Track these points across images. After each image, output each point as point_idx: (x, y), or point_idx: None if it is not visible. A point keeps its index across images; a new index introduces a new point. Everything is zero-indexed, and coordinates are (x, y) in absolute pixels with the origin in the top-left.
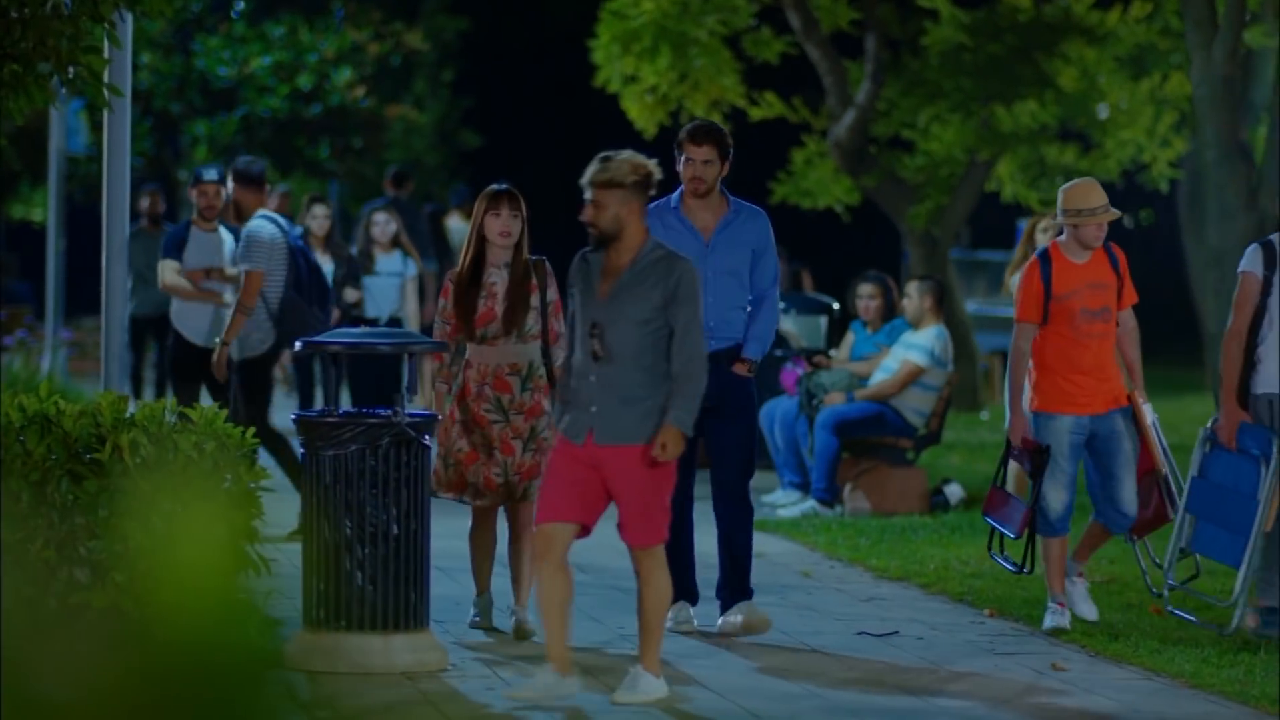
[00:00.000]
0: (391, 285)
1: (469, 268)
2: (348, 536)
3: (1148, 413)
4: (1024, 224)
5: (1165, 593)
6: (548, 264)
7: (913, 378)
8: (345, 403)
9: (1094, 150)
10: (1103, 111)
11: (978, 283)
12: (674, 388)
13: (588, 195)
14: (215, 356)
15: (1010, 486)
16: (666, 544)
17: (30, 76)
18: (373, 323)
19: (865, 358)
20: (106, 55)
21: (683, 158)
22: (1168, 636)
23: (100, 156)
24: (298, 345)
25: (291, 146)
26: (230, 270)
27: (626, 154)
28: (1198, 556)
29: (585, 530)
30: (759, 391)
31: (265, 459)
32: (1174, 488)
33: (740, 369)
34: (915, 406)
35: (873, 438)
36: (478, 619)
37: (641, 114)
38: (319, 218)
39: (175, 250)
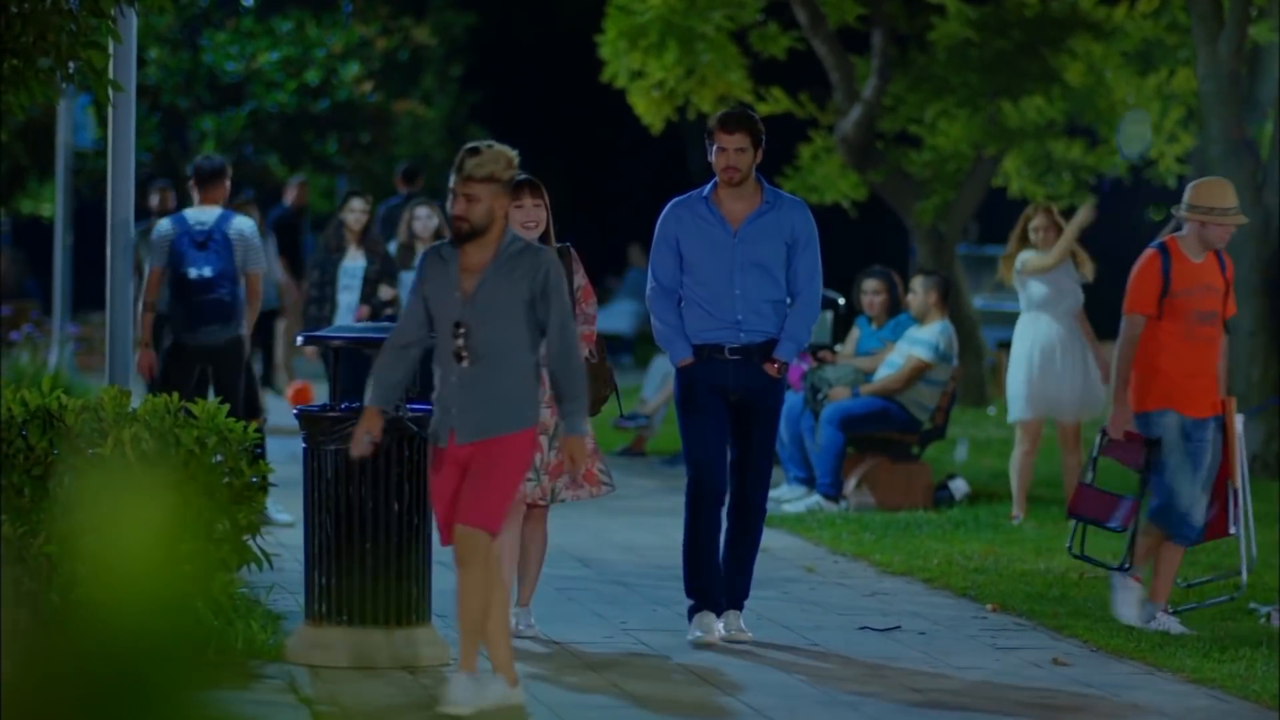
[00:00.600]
0: None
1: None
2: (349, 531)
3: (1238, 423)
4: None
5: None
6: (573, 250)
7: (918, 373)
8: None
9: (1101, 145)
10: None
11: (985, 278)
12: (559, 393)
13: (460, 189)
14: (138, 358)
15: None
16: (696, 543)
17: (30, 71)
18: None
19: (870, 353)
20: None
21: (714, 147)
22: (1169, 633)
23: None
24: (299, 340)
25: (299, 142)
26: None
27: (497, 147)
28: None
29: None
30: None
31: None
32: (1241, 502)
33: (770, 369)
34: (920, 401)
35: (878, 433)
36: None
37: (648, 109)
38: (355, 211)
39: None
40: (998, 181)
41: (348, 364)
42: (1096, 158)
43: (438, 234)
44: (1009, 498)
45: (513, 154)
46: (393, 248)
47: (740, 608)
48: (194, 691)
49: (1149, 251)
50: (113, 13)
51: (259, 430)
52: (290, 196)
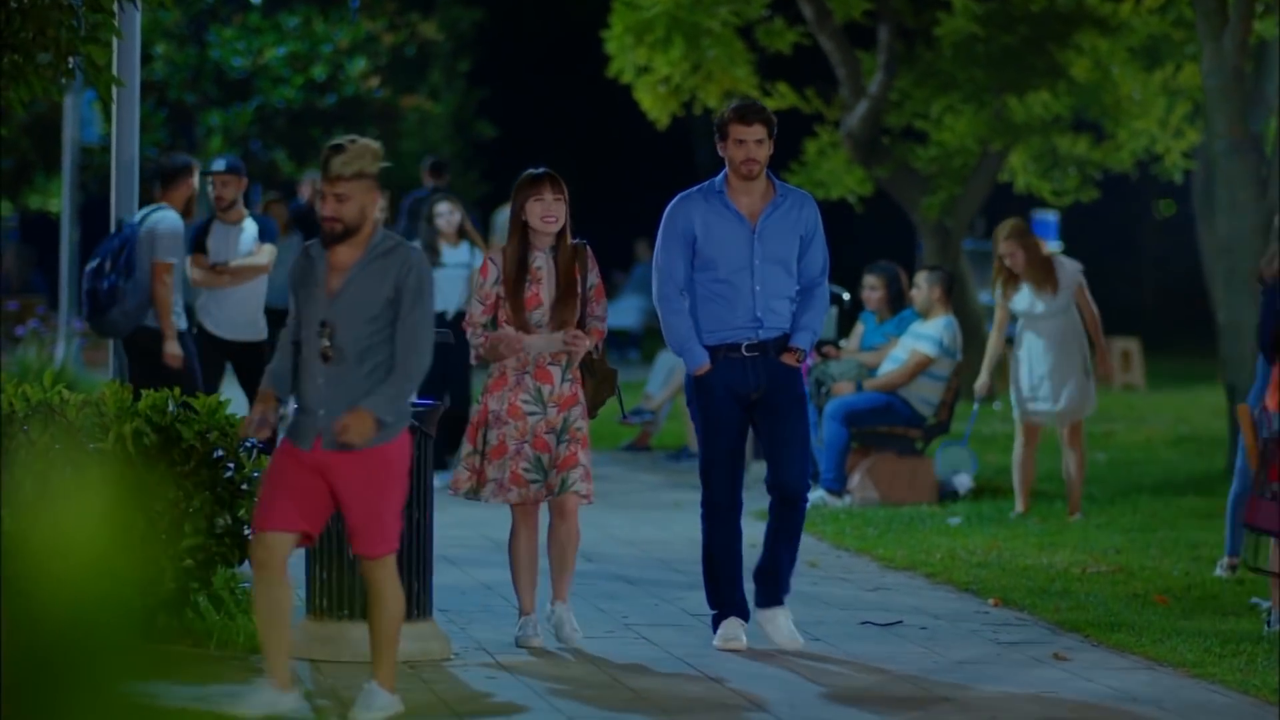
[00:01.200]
0: (459, 278)
1: (516, 256)
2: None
3: None
4: (1037, 215)
5: None
6: (589, 248)
7: (921, 368)
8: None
9: (1107, 141)
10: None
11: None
12: (389, 376)
13: (329, 189)
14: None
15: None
16: (712, 554)
17: (30, 67)
18: (439, 318)
19: (874, 348)
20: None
21: (731, 140)
22: (1171, 626)
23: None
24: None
25: (306, 137)
26: (236, 262)
27: (362, 141)
28: None
29: (308, 539)
30: None
31: None
32: None
33: (789, 359)
34: (924, 396)
35: (882, 428)
36: (522, 634)
37: (654, 105)
38: (380, 210)
39: (200, 246)
40: (1004, 177)
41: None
42: (1102, 153)
43: (461, 230)
44: (1013, 493)
45: (378, 146)
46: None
47: (782, 602)
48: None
49: None
50: (114, 8)
51: None
52: (305, 193)
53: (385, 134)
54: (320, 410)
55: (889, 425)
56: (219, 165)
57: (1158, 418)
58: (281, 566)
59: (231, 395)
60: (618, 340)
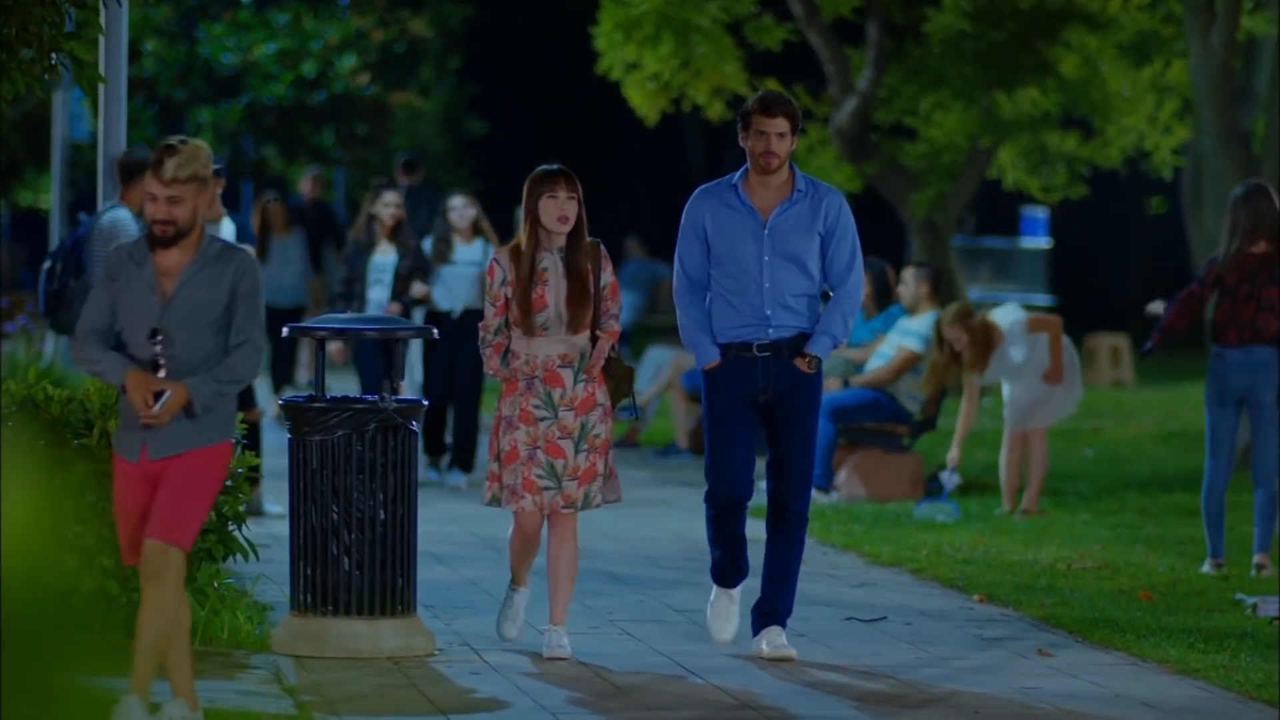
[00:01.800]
0: (467, 276)
1: (529, 256)
2: (334, 522)
3: None
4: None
5: None
6: (602, 246)
7: (908, 364)
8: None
9: (1095, 137)
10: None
11: (981, 269)
12: (215, 368)
13: (162, 191)
14: None
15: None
16: (717, 545)
17: (13, 62)
18: (445, 317)
19: (861, 344)
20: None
21: (752, 131)
22: (1156, 622)
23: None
24: (284, 331)
25: (296, 133)
26: None
27: (193, 142)
28: None
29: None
30: None
31: None
32: None
33: (801, 364)
34: (911, 393)
35: (868, 424)
36: (507, 610)
37: (643, 101)
38: (390, 205)
39: None
40: (992, 173)
41: (368, 356)
42: (1091, 149)
43: (475, 225)
44: (999, 489)
45: (208, 147)
46: (427, 244)
47: (783, 625)
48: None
49: None
50: (99, 4)
51: (245, 423)
52: (305, 189)
53: (375, 130)
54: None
55: (876, 421)
56: None
57: (1146, 414)
58: (179, 578)
59: None
60: None
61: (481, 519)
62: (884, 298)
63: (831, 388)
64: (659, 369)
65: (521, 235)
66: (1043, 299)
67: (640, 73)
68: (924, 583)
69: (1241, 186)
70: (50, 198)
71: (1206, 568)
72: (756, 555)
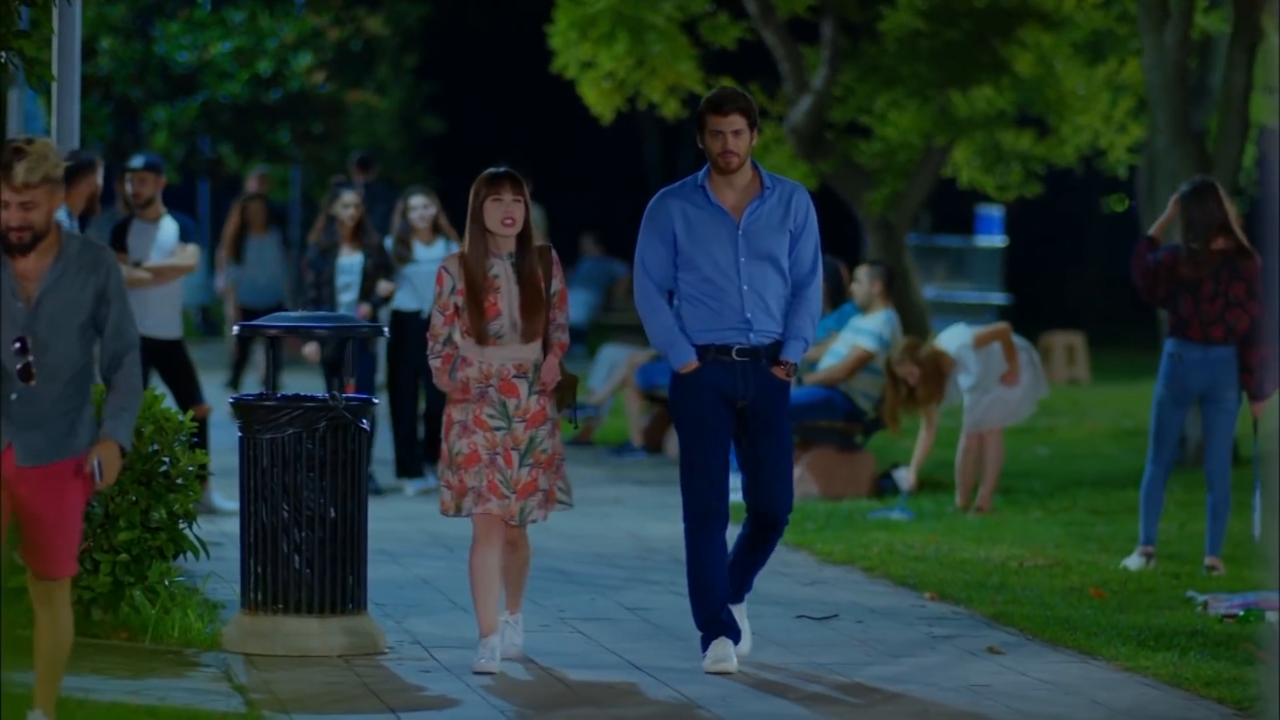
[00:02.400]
0: (433, 275)
1: (479, 263)
2: (285, 520)
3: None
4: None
5: None
6: (554, 251)
7: (862, 363)
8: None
9: (1050, 136)
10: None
11: (936, 268)
12: (112, 397)
13: (14, 196)
14: None
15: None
16: (699, 569)
17: None
18: (414, 316)
19: (815, 342)
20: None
21: (707, 131)
22: (1106, 620)
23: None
24: (234, 330)
25: (252, 132)
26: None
27: (39, 140)
28: None
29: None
30: None
31: None
32: None
33: (779, 372)
34: (864, 391)
35: (822, 422)
36: (484, 662)
37: (599, 100)
38: (349, 206)
39: (119, 244)
40: (947, 172)
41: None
42: (1046, 148)
43: (435, 224)
44: (954, 487)
45: (54, 145)
46: (388, 242)
47: (741, 600)
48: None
49: None
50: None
51: (195, 420)
52: (252, 187)
53: (331, 129)
54: (13, 427)
55: (829, 420)
56: (137, 163)
57: (1101, 412)
58: (64, 598)
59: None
60: None
61: (432, 517)
62: (837, 296)
63: None
64: (613, 367)
65: (467, 241)
66: (998, 297)
67: (595, 71)
68: (876, 581)
69: (1189, 184)
70: None
71: (1135, 558)
72: None
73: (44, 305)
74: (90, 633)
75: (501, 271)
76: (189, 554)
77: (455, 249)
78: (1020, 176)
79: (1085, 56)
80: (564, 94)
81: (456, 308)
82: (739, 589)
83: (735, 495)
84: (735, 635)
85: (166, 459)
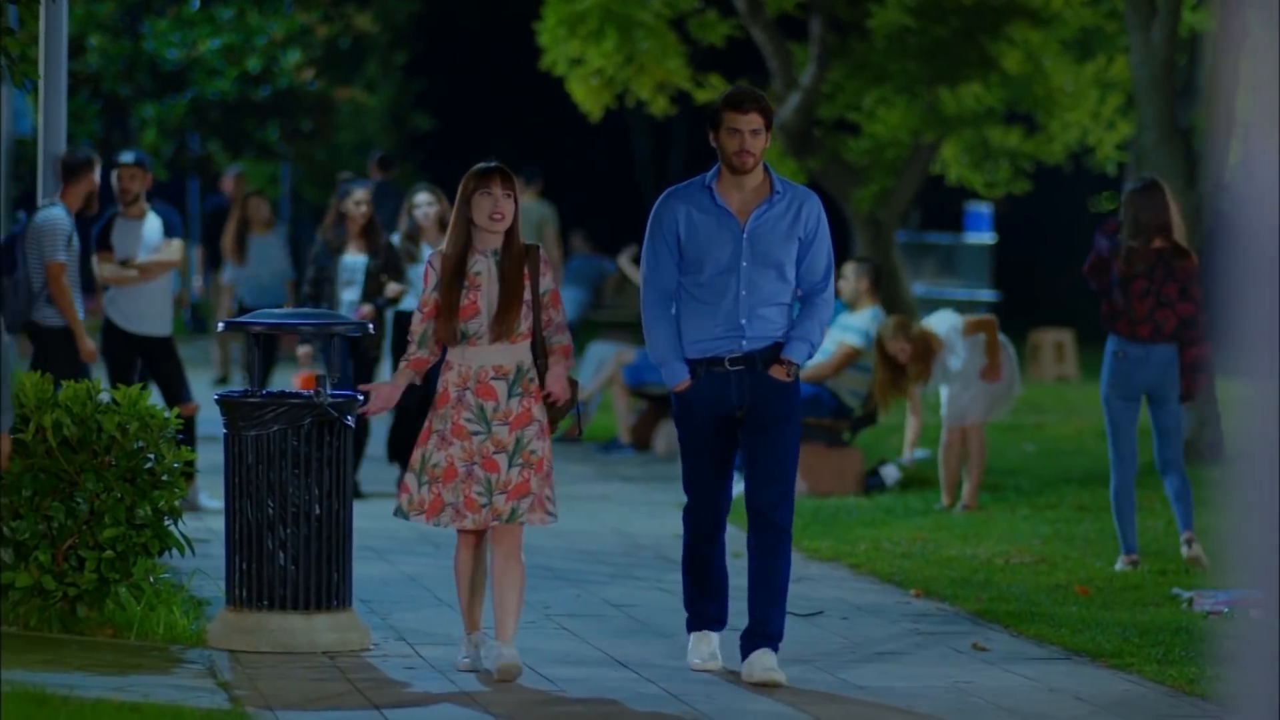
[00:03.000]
0: None
1: (456, 258)
2: (270, 516)
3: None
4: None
5: None
6: (541, 250)
7: (849, 360)
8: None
9: (1039, 133)
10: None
11: (925, 265)
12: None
13: None
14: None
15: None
16: (693, 565)
17: None
18: (407, 317)
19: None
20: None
21: (724, 128)
22: (1091, 617)
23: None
24: (220, 326)
25: (241, 129)
26: (145, 257)
27: None
28: None
29: None
30: None
31: None
32: None
33: (778, 372)
34: (851, 388)
35: (809, 419)
36: (467, 660)
37: (587, 97)
38: (361, 203)
39: (104, 243)
40: (936, 169)
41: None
42: (1035, 145)
43: (441, 222)
44: (939, 484)
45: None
46: (396, 240)
47: (775, 647)
48: None
49: None
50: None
51: (182, 417)
52: (228, 187)
53: (320, 126)
54: None
55: (816, 417)
56: (127, 158)
57: (1089, 409)
58: None
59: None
60: None
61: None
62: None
63: None
64: (601, 364)
65: (449, 236)
66: (987, 294)
67: (584, 68)
68: (861, 577)
69: (1135, 182)
70: None
71: (1121, 565)
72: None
73: None
74: (75, 630)
75: (484, 269)
76: (174, 551)
77: None
78: (1009, 173)
79: (1074, 53)
80: (553, 92)
81: (438, 303)
82: (767, 629)
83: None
84: (720, 625)
85: (152, 456)
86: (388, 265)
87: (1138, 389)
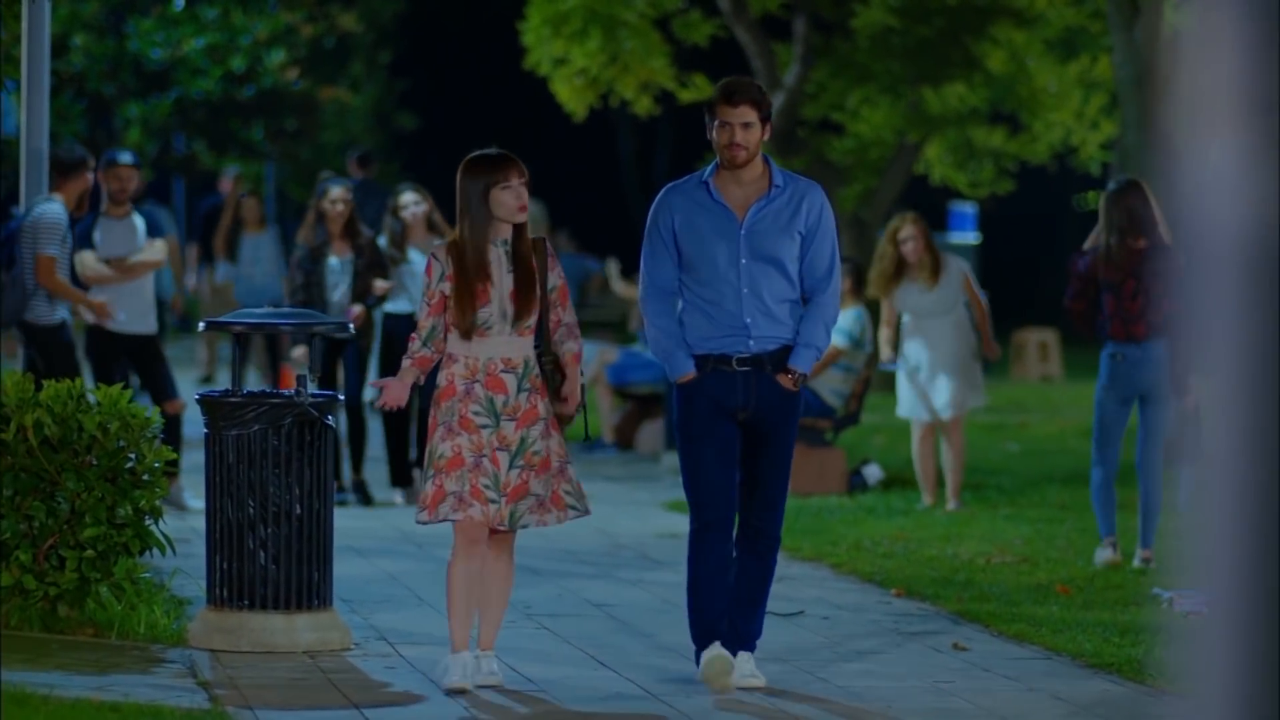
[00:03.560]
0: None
1: (475, 249)
2: (250, 516)
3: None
4: (955, 207)
5: None
6: (548, 244)
7: (832, 359)
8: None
9: (1023, 133)
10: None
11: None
12: None
13: None
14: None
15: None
16: (697, 587)
17: None
18: (407, 319)
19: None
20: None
21: (715, 123)
22: (1072, 617)
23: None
24: (200, 326)
25: (225, 128)
26: (134, 257)
27: None
28: None
29: None
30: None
31: None
32: None
33: (785, 381)
34: (834, 388)
35: None
36: (455, 682)
37: (571, 96)
38: (339, 203)
39: (86, 242)
40: (920, 169)
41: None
42: (1018, 145)
43: (429, 221)
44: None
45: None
46: (382, 241)
47: (751, 648)
48: None
49: None
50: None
51: (167, 415)
52: (225, 187)
53: (305, 125)
54: None
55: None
56: (125, 158)
57: (1073, 409)
58: None
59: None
60: None
61: (405, 513)
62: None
63: None
64: (585, 363)
65: (459, 229)
66: None
67: (568, 68)
68: (843, 577)
69: (1114, 183)
70: None
71: (1107, 553)
72: None
73: None
74: (56, 629)
75: (494, 259)
76: (155, 550)
77: None
78: (992, 173)
79: (1057, 53)
80: (537, 91)
81: (444, 297)
82: (744, 631)
83: None
84: (730, 642)
85: (133, 455)
86: (373, 263)
87: (1135, 391)
